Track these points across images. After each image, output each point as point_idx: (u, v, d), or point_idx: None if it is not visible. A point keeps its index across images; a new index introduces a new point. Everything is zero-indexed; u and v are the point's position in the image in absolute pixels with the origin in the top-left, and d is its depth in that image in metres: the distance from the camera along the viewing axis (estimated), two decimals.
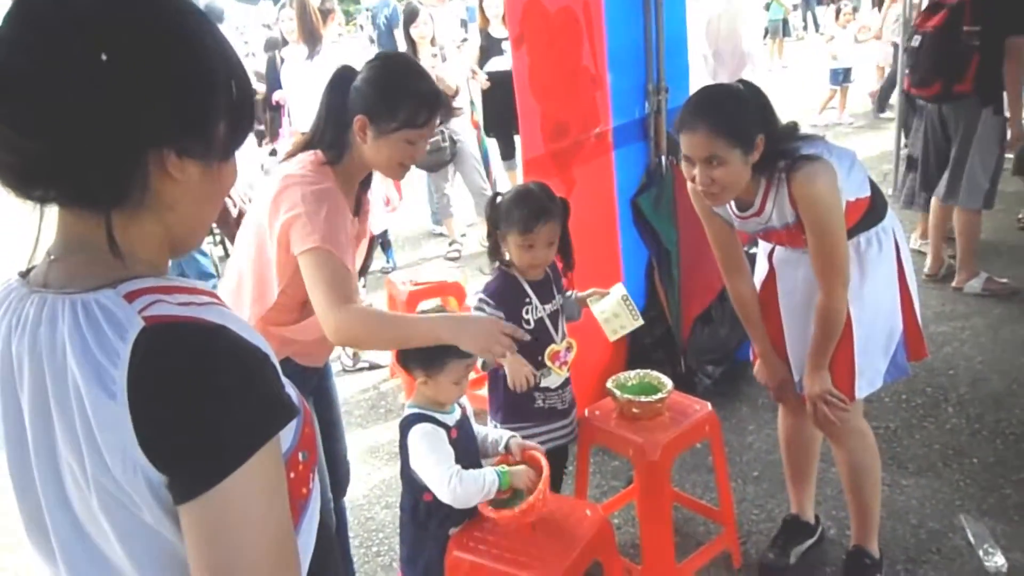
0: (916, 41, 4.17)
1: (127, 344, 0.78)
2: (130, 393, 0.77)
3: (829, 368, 2.20)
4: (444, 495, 1.89)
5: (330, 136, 1.89)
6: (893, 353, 2.28)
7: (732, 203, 2.18)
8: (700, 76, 4.20)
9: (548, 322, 2.30)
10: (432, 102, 1.89)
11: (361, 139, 1.87)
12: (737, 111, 2.01)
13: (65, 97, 0.76)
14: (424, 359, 1.95)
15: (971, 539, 2.59)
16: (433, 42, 5.47)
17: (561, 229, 2.28)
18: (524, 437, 2.30)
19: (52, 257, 0.87)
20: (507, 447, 2.09)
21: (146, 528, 0.83)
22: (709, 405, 2.50)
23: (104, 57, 0.76)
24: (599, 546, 1.97)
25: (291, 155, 1.93)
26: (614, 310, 2.36)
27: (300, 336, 1.95)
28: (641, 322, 2.38)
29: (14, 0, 0.79)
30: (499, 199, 2.32)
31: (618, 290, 2.39)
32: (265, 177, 2.02)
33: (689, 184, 2.24)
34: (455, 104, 5.14)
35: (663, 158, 3.48)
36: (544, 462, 1.98)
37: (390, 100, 1.84)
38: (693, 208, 2.34)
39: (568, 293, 2.42)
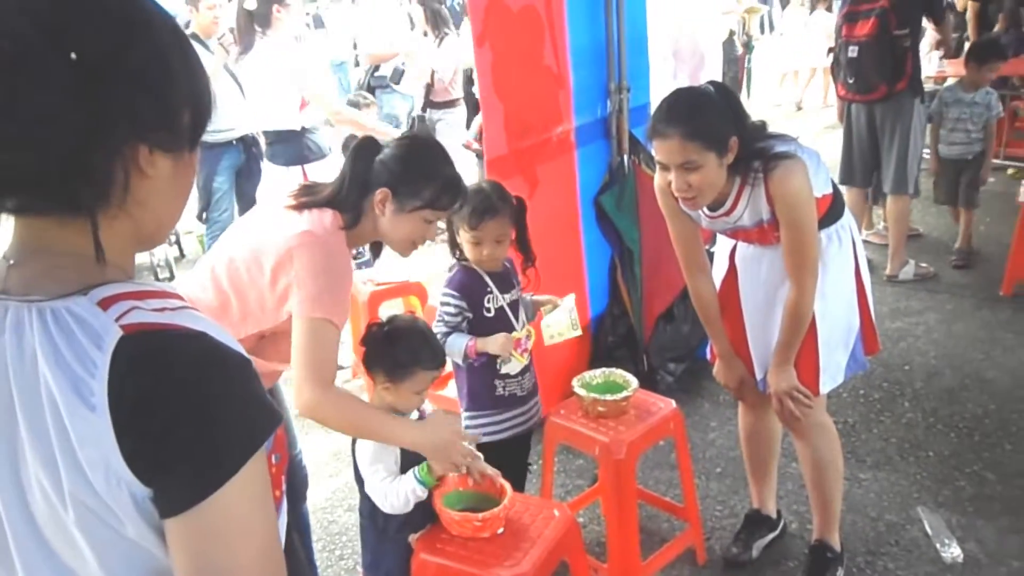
0: (853, 51, 4.31)
1: (105, 354, 0.75)
2: (112, 405, 0.74)
3: (794, 364, 2.23)
4: (383, 507, 1.90)
5: (352, 201, 1.85)
6: (852, 348, 2.32)
7: None
8: (660, 76, 4.22)
9: (508, 311, 2.34)
10: (456, 187, 1.90)
11: (380, 211, 1.85)
12: (709, 114, 2.01)
13: (38, 99, 0.73)
14: (391, 366, 1.93)
15: (928, 531, 2.65)
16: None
17: (515, 227, 2.32)
18: (484, 425, 2.34)
19: (11, 262, 0.82)
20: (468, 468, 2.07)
21: (127, 543, 0.80)
22: (673, 403, 2.51)
23: (74, 56, 0.73)
24: (567, 546, 1.96)
25: (305, 204, 1.85)
26: (557, 319, 2.40)
27: None
28: (578, 332, 2.40)
29: None
30: None
31: (568, 301, 2.42)
32: (268, 207, 1.95)
33: (656, 183, 2.25)
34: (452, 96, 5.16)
35: (625, 157, 3.50)
36: (508, 488, 1.97)
37: (417, 179, 1.84)
38: (655, 207, 2.35)
39: (525, 296, 2.45)
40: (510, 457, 2.32)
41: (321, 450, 3.46)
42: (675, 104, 2.05)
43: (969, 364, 3.70)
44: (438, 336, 2.26)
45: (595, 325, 3.55)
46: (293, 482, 2.29)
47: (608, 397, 2.39)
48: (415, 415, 2.01)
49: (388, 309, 4.13)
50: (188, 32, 4.74)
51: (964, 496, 2.82)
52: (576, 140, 3.32)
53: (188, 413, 0.76)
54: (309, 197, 1.87)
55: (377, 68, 6.11)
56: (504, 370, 2.32)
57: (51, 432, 0.76)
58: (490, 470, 2.07)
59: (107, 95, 0.75)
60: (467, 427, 2.36)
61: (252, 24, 3.98)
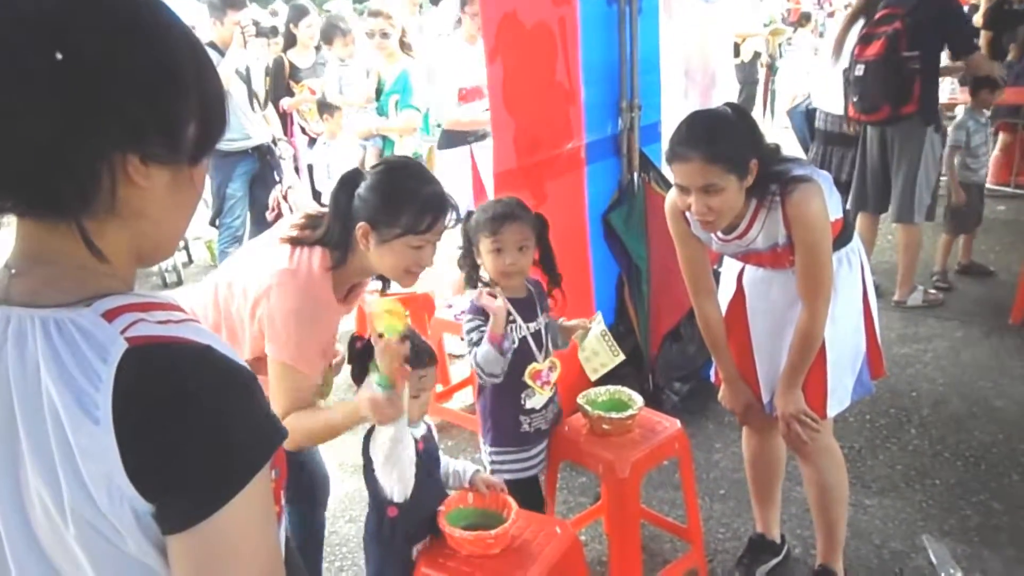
0: (859, 70, 4.31)
1: (110, 367, 0.74)
2: (116, 419, 0.73)
3: (803, 387, 2.21)
4: (390, 488, 1.86)
5: (337, 237, 1.83)
6: (859, 372, 2.30)
7: None
8: (672, 94, 4.22)
9: (531, 341, 2.28)
10: (437, 206, 1.82)
11: (364, 246, 1.81)
12: (730, 137, 2.00)
13: (18, 99, 0.71)
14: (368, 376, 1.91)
15: (933, 560, 2.61)
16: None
17: (536, 240, 2.27)
18: (510, 462, 2.31)
19: (12, 271, 0.80)
20: (472, 482, 2.06)
21: (127, 559, 0.78)
22: (678, 423, 2.50)
23: (59, 56, 0.71)
24: (569, 565, 1.95)
25: (296, 240, 1.84)
26: (594, 348, 2.35)
27: None
28: (622, 357, 2.38)
29: None
30: (471, 214, 2.32)
31: (597, 325, 2.37)
32: (261, 245, 1.94)
33: (668, 205, 2.24)
34: None
35: (635, 175, 3.50)
36: (512, 503, 1.97)
37: (392, 206, 1.79)
38: (664, 226, 2.35)
39: (554, 321, 2.40)
40: (533, 491, 2.30)
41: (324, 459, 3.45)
42: (695, 126, 2.03)
43: (977, 392, 3.67)
44: (470, 355, 2.22)
45: None
46: (312, 488, 2.28)
47: (613, 415, 2.38)
48: (422, 427, 1.99)
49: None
50: (205, 41, 4.81)
51: (970, 526, 2.79)
52: (586, 157, 3.32)
53: (194, 429, 0.75)
54: (304, 232, 1.85)
55: None
56: (528, 405, 2.28)
57: (53, 445, 0.75)
58: (494, 480, 2.06)
59: (95, 97, 0.74)
60: (491, 463, 2.33)
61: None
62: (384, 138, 4.93)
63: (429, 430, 2.03)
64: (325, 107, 5.22)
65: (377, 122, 4.89)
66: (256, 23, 4.65)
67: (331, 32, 5.40)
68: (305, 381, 1.80)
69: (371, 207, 1.80)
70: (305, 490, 2.28)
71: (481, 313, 2.22)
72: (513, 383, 2.25)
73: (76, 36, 0.73)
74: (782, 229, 2.08)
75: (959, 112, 6.38)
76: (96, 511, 0.75)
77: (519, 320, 2.26)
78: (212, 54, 4.68)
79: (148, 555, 0.78)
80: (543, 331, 2.32)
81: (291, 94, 5.55)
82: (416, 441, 1.94)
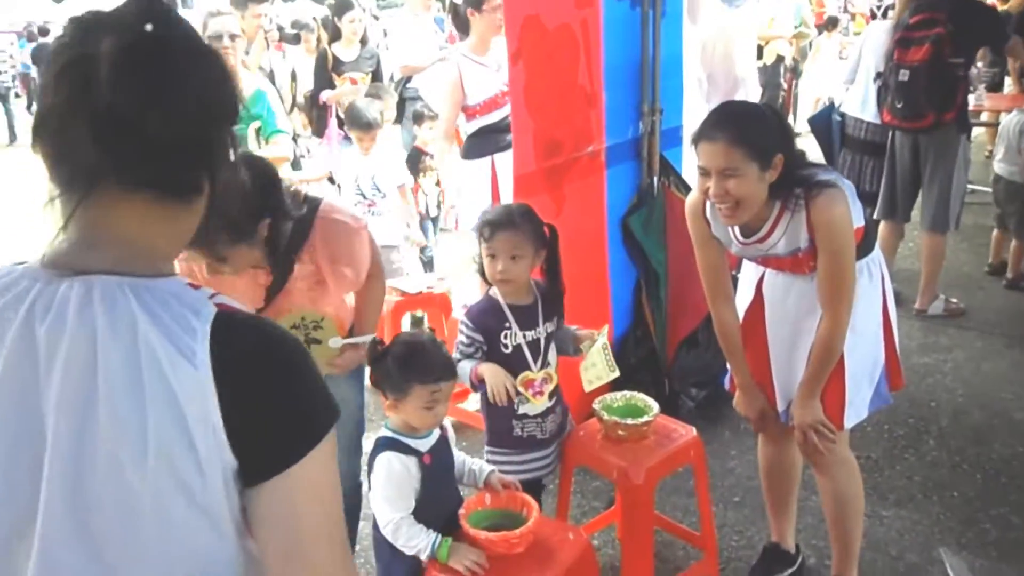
0: (904, 75, 4.23)
1: (204, 323, 0.82)
2: (213, 367, 0.81)
3: (820, 397, 2.20)
4: (384, 532, 1.90)
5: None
6: (877, 382, 2.28)
7: (737, 227, 2.17)
8: (694, 99, 4.21)
9: (526, 350, 2.28)
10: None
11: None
12: (758, 126, 2.01)
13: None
14: (389, 382, 1.93)
15: (950, 573, 2.58)
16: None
17: (544, 253, 2.28)
18: (504, 463, 2.31)
19: (86, 246, 0.86)
20: (487, 482, 2.06)
21: (188, 513, 0.82)
22: (694, 430, 2.48)
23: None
24: (581, 570, 1.94)
25: None
26: (593, 359, 2.32)
27: None
28: (616, 374, 2.34)
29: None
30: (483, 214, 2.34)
31: (601, 338, 2.35)
32: None
33: (689, 204, 2.24)
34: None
35: (655, 179, 3.49)
36: (532, 501, 1.98)
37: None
38: (683, 230, 2.34)
39: (568, 328, 2.39)
40: (534, 496, 2.30)
41: None
42: (725, 111, 2.09)
43: (998, 404, 3.63)
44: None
45: (618, 346, 3.53)
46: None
47: (629, 421, 2.37)
48: (433, 435, 1.99)
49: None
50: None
51: (988, 539, 2.76)
52: (606, 160, 3.31)
53: (284, 379, 0.86)
54: None
55: (409, 80, 6.14)
56: (522, 410, 2.28)
57: (149, 390, 0.79)
58: (508, 479, 2.07)
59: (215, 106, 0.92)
60: (488, 461, 2.34)
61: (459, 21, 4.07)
62: None
63: (443, 437, 2.03)
64: (372, 97, 5.13)
65: None
66: (280, 28, 4.69)
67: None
68: None
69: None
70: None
71: (477, 331, 2.26)
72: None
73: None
74: (805, 234, 2.07)
75: (983, 117, 6.34)
76: (186, 449, 0.80)
77: (515, 327, 2.27)
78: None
79: (212, 509, 0.83)
80: (542, 341, 2.31)
81: (333, 86, 5.57)
82: (422, 455, 1.94)
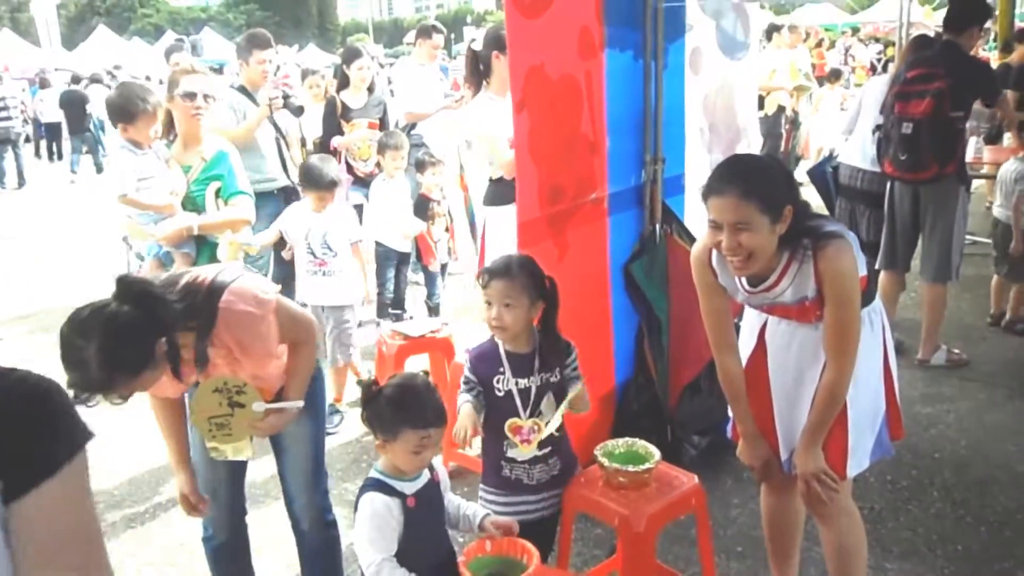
0: (907, 128, 4.29)
1: None
2: None
3: (823, 446, 2.19)
4: (368, 574, 1.89)
5: None
6: (878, 432, 2.28)
7: (744, 277, 2.19)
8: (695, 148, 4.26)
9: (517, 397, 2.31)
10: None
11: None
12: (767, 179, 2.05)
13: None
14: (380, 423, 1.94)
15: None
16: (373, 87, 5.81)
17: (533, 301, 2.29)
18: (492, 503, 2.32)
19: None
20: (482, 526, 2.06)
21: None
22: (696, 478, 2.47)
23: None
24: None
25: None
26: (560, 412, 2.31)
27: None
28: (551, 429, 2.29)
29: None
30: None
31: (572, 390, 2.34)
32: None
33: (695, 254, 2.26)
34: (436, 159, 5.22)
35: (657, 226, 3.52)
36: (532, 549, 1.97)
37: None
38: (685, 278, 2.36)
39: (577, 385, 2.37)
40: (531, 540, 2.29)
41: (337, 501, 3.43)
42: (735, 165, 2.11)
43: (1001, 456, 3.61)
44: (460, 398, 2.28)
45: (620, 392, 3.53)
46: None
47: (630, 468, 2.36)
48: (422, 478, 1.99)
49: (414, 364, 4.15)
50: (237, 85, 4.91)
51: None
52: (609, 207, 3.34)
53: (28, 411, 1.05)
54: None
55: (413, 127, 6.23)
56: (510, 453, 2.30)
57: None
58: (503, 521, 2.06)
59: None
60: (481, 499, 2.35)
61: (479, 66, 3.91)
62: (199, 239, 3.46)
63: (433, 482, 2.03)
64: (386, 146, 5.14)
65: (196, 219, 3.41)
66: (286, 96, 4.74)
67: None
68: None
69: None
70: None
71: (474, 373, 2.32)
72: (495, 428, 2.31)
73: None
74: (812, 283, 2.09)
75: (984, 170, 6.40)
76: None
77: (508, 373, 2.30)
78: (241, 99, 4.81)
79: None
80: (534, 390, 2.32)
81: (342, 133, 5.64)
82: (406, 498, 1.94)
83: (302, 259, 4.20)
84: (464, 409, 2.25)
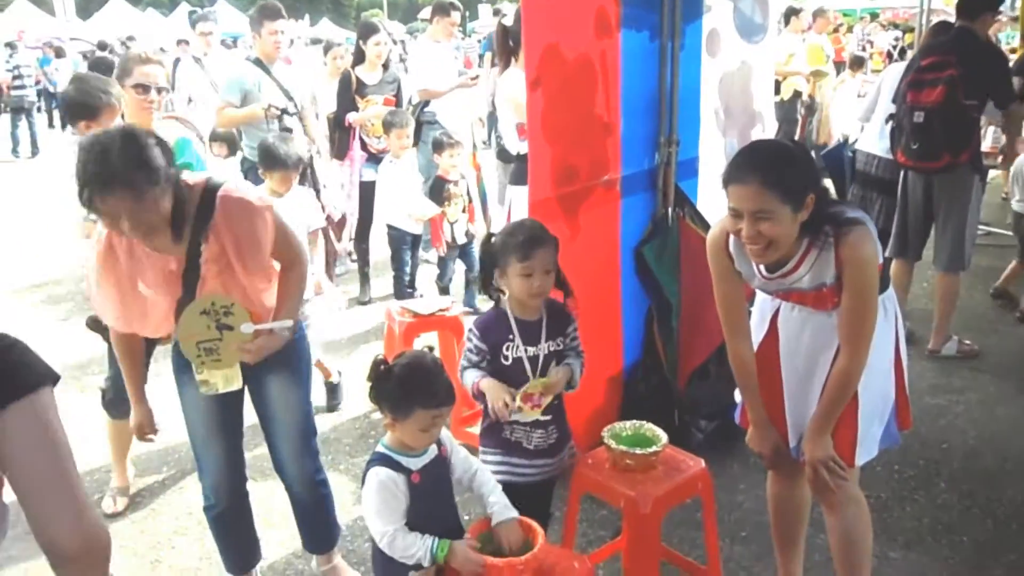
0: (919, 117, 4.25)
1: None
2: None
3: (832, 433, 2.18)
4: (381, 546, 1.92)
5: None
6: (887, 421, 2.27)
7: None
8: (710, 131, 4.22)
9: (527, 363, 2.31)
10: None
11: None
12: (790, 167, 2.02)
13: None
14: (392, 402, 1.95)
15: None
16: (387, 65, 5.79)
17: (556, 265, 2.30)
18: (491, 463, 2.33)
19: None
20: (494, 527, 2.04)
21: None
22: (703, 462, 2.47)
23: None
24: None
25: None
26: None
27: None
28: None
29: None
30: (493, 238, 2.36)
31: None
32: None
33: (711, 240, 2.24)
34: (454, 139, 5.18)
35: (670, 209, 3.49)
36: (539, 529, 1.98)
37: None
38: (697, 261, 2.34)
39: (577, 359, 2.39)
40: (525, 502, 2.29)
41: (344, 476, 3.46)
42: (756, 152, 2.07)
43: (1011, 448, 3.59)
44: (460, 370, 2.28)
45: (628, 374, 3.52)
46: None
47: (637, 451, 2.36)
48: (428, 454, 2.00)
49: (423, 342, 4.14)
50: (252, 57, 4.89)
51: None
52: (621, 189, 3.32)
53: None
54: None
55: (427, 104, 6.19)
56: (514, 416, 2.29)
57: None
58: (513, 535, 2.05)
59: None
60: (481, 459, 2.35)
61: (508, 42, 3.86)
62: None
63: (441, 457, 2.04)
64: (391, 124, 5.14)
65: None
66: (282, 110, 4.71)
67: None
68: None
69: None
70: None
71: (483, 341, 2.30)
72: None
73: None
74: (832, 270, 2.08)
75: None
76: None
77: (519, 340, 2.30)
78: (256, 70, 4.80)
79: None
80: (542, 357, 2.33)
81: (356, 109, 5.62)
82: (411, 473, 1.95)
83: None
84: (487, 383, 2.24)
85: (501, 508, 2.04)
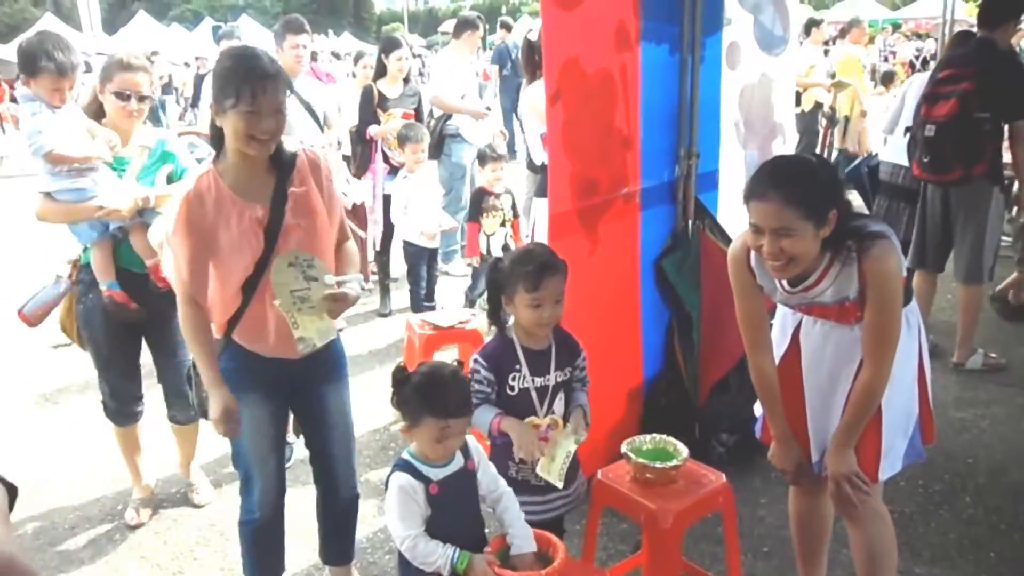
0: (930, 130, 4.23)
1: None
2: None
3: (855, 448, 2.16)
4: (402, 550, 1.94)
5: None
6: (911, 435, 2.25)
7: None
8: (730, 144, 4.21)
9: (534, 395, 2.27)
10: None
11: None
12: (811, 183, 2.00)
13: None
14: (406, 409, 1.97)
15: None
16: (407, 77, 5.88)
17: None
18: None
19: None
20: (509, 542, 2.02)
21: None
22: (724, 476, 2.46)
23: None
24: None
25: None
26: (556, 451, 2.25)
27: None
28: (559, 486, 2.25)
29: None
30: (500, 263, 2.34)
31: (573, 445, 2.28)
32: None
33: (732, 254, 2.23)
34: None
35: (690, 222, 3.49)
36: (559, 543, 1.98)
37: (218, 87, 2.18)
38: (717, 274, 2.34)
39: (581, 399, 2.36)
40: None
41: (366, 488, 3.46)
42: (778, 169, 2.06)
43: None
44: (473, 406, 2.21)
45: (648, 388, 3.51)
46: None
47: (657, 464, 2.35)
48: (451, 465, 1.99)
49: (443, 354, 4.15)
50: None
51: None
52: (641, 202, 3.32)
53: None
54: None
55: (449, 118, 6.25)
56: (519, 456, 2.22)
57: None
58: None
59: None
60: None
61: (535, 55, 3.99)
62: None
63: (466, 470, 2.03)
64: (405, 138, 5.18)
65: (150, 190, 3.03)
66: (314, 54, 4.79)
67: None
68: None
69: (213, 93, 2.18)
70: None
71: (491, 372, 2.25)
72: None
73: None
74: (855, 284, 2.06)
75: None
76: None
77: (525, 371, 2.26)
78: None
79: None
80: (550, 388, 2.29)
81: (378, 122, 5.68)
82: (430, 483, 1.95)
83: None
84: (512, 424, 2.18)
85: (520, 542, 2.01)
